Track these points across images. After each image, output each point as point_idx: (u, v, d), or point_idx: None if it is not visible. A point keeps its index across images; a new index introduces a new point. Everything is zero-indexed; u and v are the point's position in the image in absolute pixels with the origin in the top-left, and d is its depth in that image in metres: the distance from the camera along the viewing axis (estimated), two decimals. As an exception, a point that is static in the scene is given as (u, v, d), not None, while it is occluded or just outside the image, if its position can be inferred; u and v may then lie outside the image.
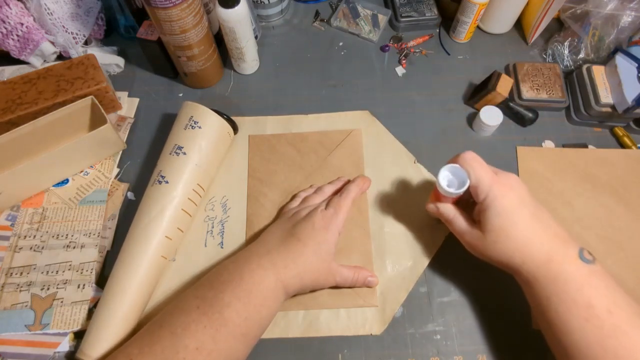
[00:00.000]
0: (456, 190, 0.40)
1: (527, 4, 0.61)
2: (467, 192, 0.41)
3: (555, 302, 0.35)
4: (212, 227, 0.50)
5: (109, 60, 0.60)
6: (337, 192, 0.50)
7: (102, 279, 0.47)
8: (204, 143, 0.48)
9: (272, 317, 0.41)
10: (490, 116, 0.54)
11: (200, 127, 0.48)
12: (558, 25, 0.65)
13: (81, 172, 0.53)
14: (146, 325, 0.39)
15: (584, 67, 0.58)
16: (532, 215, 0.38)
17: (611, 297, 0.35)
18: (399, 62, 0.63)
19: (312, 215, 0.44)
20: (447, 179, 0.42)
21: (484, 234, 0.39)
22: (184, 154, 0.47)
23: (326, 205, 0.45)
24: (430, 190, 0.52)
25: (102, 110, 0.50)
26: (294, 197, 0.51)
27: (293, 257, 0.41)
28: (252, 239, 0.49)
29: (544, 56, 0.63)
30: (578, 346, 0.34)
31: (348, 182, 0.51)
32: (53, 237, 0.49)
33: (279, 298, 0.40)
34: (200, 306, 0.37)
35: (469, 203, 0.44)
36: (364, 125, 0.57)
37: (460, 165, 0.40)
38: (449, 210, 0.43)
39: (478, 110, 0.57)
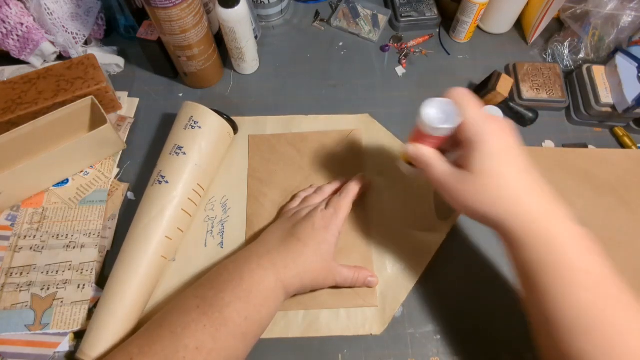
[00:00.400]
0: (444, 127, 0.35)
1: (527, 4, 0.61)
2: (448, 138, 0.36)
3: (548, 266, 0.32)
4: (212, 227, 0.50)
5: (109, 60, 0.60)
6: (337, 191, 0.50)
7: (102, 279, 0.47)
8: (204, 143, 0.48)
9: (272, 317, 0.41)
10: (490, 116, 0.54)
11: (200, 127, 0.48)
12: (558, 25, 0.65)
13: (81, 172, 0.53)
14: (146, 324, 0.39)
15: (584, 67, 0.58)
16: (523, 166, 0.34)
17: (607, 261, 0.32)
18: (399, 62, 0.63)
19: (312, 215, 0.44)
20: (431, 114, 0.36)
21: (467, 179, 0.34)
22: (184, 154, 0.47)
23: (326, 205, 0.45)
24: (430, 193, 0.52)
25: (102, 110, 0.50)
26: (294, 197, 0.51)
27: (293, 257, 0.41)
28: (252, 239, 0.49)
29: (544, 56, 0.63)
30: (567, 315, 0.31)
31: (345, 181, 0.51)
32: (53, 237, 0.49)
33: (279, 298, 0.40)
34: (200, 306, 0.37)
35: (445, 153, 0.39)
36: (364, 127, 0.57)
37: (450, 99, 0.35)
38: (429, 152, 0.37)
39: (478, 110, 0.57)
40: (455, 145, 0.37)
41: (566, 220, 0.33)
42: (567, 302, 0.31)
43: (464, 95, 0.36)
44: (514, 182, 0.34)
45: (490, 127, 0.34)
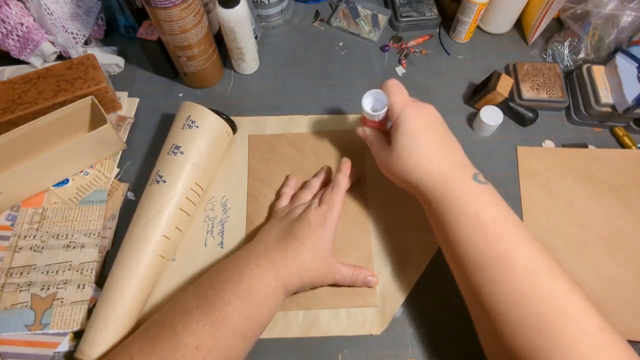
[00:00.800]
0: (376, 113, 0.44)
1: (527, 4, 0.61)
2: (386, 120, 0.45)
3: (449, 216, 0.38)
4: (212, 227, 0.50)
5: (109, 60, 0.60)
6: (325, 183, 0.51)
7: (102, 279, 0.47)
8: (202, 142, 0.48)
9: (272, 316, 0.41)
10: (490, 116, 0.54)
11: (198, 127, 0.48)
12: (558, 25, 0.65)
13: (81, 172, 0.53)
14: (146, 323, 0.39)
15: (584, 67, 0.58)
16: (437, 140, 0.41)
17: (497, 209, 0.38)
18: (399, 62, 0.63)
19: (307, 213, 0.44)
20: (370, 104, 0.46)
21: (393, 150, 0.42)
22: (182, 153, 0.47)
23: (319, 202, 0.46)
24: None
25: (102, 110, 0.50)
26: (279, 194, 0.51)
27: (292, 255, 0.41)
28: (252, 239, 0.49)
29: (544, 56, 0.63)
30: (467, 255, 0.37)
31: (329, 170, 0.53)
32: (53, 237, 0.49)
33: (279, 296, 0.40)
34: (200, 305, 0.37)
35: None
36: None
37: (382, 90, 0.44)
38: (370, 135, 0.47)
39: (478, 110, 0.57)
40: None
41: (470, 180, 0.39)
42: (471, 244, 0.37)
43: (392, 86, 0.44)
44: (425, 152, 0.41)
45: (408, 111, 0.42)
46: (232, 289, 0.38)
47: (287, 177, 0.53)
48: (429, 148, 0.41)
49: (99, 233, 0.49)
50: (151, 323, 0.38)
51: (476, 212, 0.37)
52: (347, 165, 0.50)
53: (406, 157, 0.41)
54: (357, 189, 0.52)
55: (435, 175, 0.40)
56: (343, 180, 0.48)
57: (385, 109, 0.44)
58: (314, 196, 0.48)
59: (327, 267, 0.43)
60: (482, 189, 0.39)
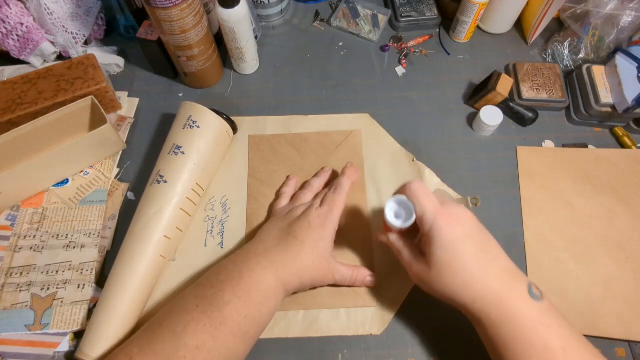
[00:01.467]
0: (402, 224, 0.39)
1: (527, 4, 0.61)
2: (416, 223, 0.39)
3: (511, 343, 0.35)
4: (212, 227, 0.50)
5: (109, 60, 0.60)
6: (327, 184, 0.51)
7: (102, 279, 0.47)
8: (202, 142, 0.48)
9: (271, 316, 0.41)
10: (490, 116, 0.54)
11: (198, 127, 0.48)
12: (558, 25, 0.65)
13: (81, 172, 0.53)
14: (146, 324, 0.39)
15: (584, 67, 0.58)
16: (478, 249, 0.37)
17: (564, 336, 0.35)
18: (399, 62, 0.63)
19: (308, 213, 0.44)
20: (393, 210, 0.41)
21: (429, 268, 0.38)
22: (183, 153, 0.47)
23: (321, 203, 0.45)
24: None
25: (102, 110, 0.50)
26: (278, 194, 0.51)
27: (292, 255, 0.41)
28: (252, 238, 0.49)
29: (544, 56, 0.63)
30: None
31: (334, 172, 0.52)
32: (53, 237, 0.49)
33: (278, 296, 0.40)
34: (200, 305, 0.37)
35: (417, 234, 0.43)
36: (364, 127, 0.57)
37: (406, 196, 0.39)
38: (396, 242, 0.42)
39: (478, 110, 0.57)
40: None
41: (527, 298, 0.36)
42: None
43: (418, 191, 0.38)
44: (470, 268, 0.36)
45: (441, 219, 0.37)
46: (231, 288, 0.38)
47: (287, 177, 0.53)
48: (473, 262, 0.36)
49: (99, 233, 0.49)
50: (151, 323, 0.38)
51: (543, 342, 0.34)
52: (352, 170, 0.50)
53: (450, 275, 0.37)
54: (357, 189, 0.52)
55: (489, 296, 0.36)
56: (346, 183, 0.48)
57: (414, 218, 0.39)
58: (315, 197, 0.48)
59: (326, 268, 0.43)
60: (541, 309, 0.35)
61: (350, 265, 0.45)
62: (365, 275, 0.45)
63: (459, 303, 0.37)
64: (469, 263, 0.36)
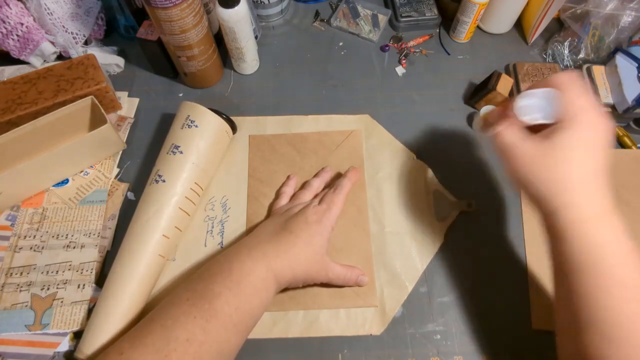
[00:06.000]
0: (544, 118, 0.34)
1: (527, 4, 0.61)
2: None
3: (590, 270, 0.31)
4: (212, 227, 0.50)
5: (109, 60, 0.60)
6: (327, 185, 0.51)
7: (102, 279, 0.47)
8: (201, 142, 0.48)
9: (264, 308, 0.40)
10: (491, 116, 0.54)
11: (197, 126, 0.48)
12: (558, 25, 0.64)
13: (81, 172, 0.53)
14: (140, 321, 0.39)
15: (584, 67, 0.58)
16: (600, 165, 0.33)
17: None
18: (399, 62, 0.63)
19: (305, 210, 0.44)
20: (527, 106, 0.35)
21: (546, 144, 0.33)
22: (181, 152, 0.47)
23: (320, 201, 0.46)
24: (429, 193, 0.52)
25: (102, 110, 0.50)
26: (278, 194, 0.51)
27: (285, 248, 0.41)
28: (252, 238, 0.49)
29: (544, 56, 0.63)
30: (608, 322, 0.31)
31: (337, 174, 0.52)
32: (53, 237, 0.49)
33: (270, 288, 0.40)
34: (190, 298, 0.37)
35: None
36: (364, 127, 0.57)
37: (553, 87, 0.34)
38: (512, 130, 0.36)
39: (478, 110, 0.57)
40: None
41: (618, 231, 0.32)
42: (607, 311, 0.31)
43: (571, 82, 0.34)
44: (580, 173, 0.33)
45: (596, 116, 0.33)
46: (221, 280, 0.38)
47: (287, 177, 0.53)
48: (588, 170, 0.33)
49: (99, 233, 0.49)
50: (143, 320, 0.38)
51: (634, 281, 0.31)
52: (354, 173, 0.50)
53: (558, 163, 0.33)
54: (357, 189, 0.52)
55: (581, 207, 0.32)
56: (347, 184, 0.48)
57: (553, 119, 0.34)
58: (315, 196, 0.48)
59: (320, 264, 0.43)
60: (631, 247, 0.32)
61: (343, 265, 0.45)
62: (358, 274, 0.45)
63: (543, 197, 0.34)
64: (582, 169, 0.33)
